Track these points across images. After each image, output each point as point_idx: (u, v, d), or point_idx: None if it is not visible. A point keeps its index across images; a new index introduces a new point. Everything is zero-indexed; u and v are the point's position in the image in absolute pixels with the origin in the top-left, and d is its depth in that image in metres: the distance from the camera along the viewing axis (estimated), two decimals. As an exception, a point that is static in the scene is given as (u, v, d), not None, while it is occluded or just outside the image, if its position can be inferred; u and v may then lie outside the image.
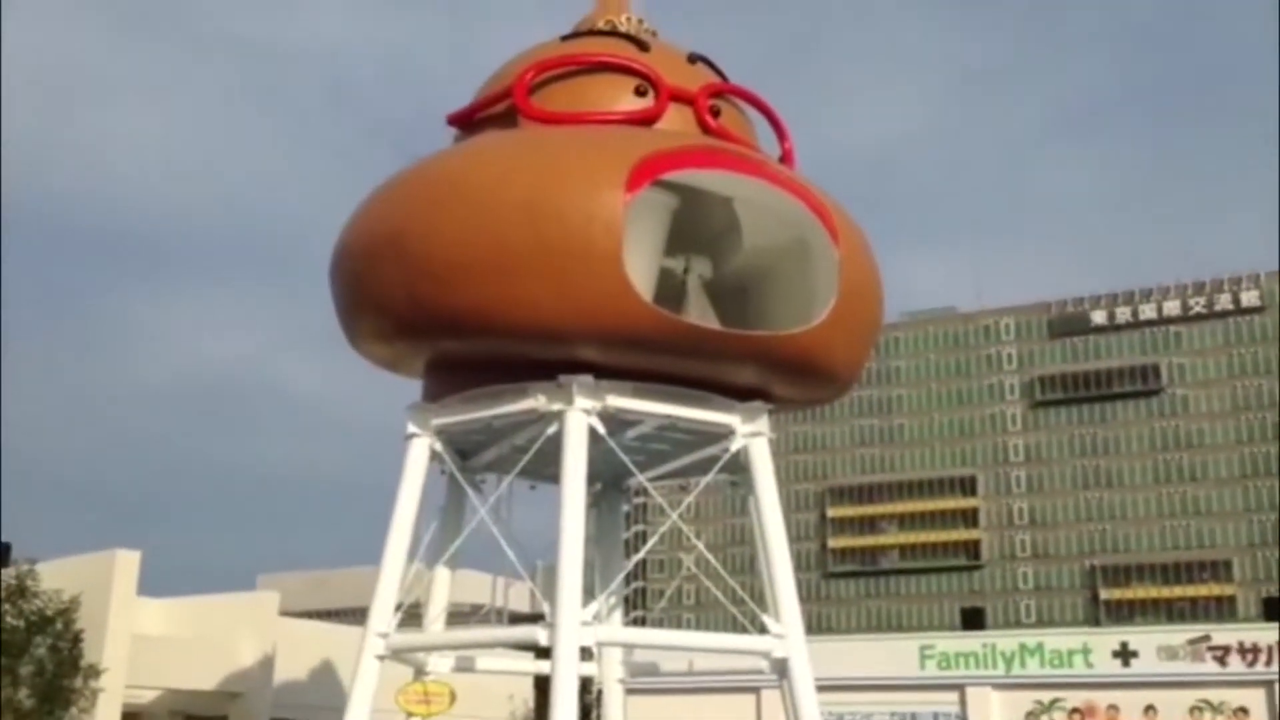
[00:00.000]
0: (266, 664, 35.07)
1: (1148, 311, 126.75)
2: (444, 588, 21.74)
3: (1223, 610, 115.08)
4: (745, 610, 20.62)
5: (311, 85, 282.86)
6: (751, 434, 19.69)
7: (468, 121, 20.24)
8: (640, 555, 28.49)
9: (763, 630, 19.51)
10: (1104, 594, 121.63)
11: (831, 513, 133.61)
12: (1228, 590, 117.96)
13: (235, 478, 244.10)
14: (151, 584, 35.64)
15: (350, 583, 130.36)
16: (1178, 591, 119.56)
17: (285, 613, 39.58)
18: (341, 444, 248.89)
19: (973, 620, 46.37)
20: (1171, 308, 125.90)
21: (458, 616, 26.46)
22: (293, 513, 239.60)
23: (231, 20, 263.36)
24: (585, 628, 17.67)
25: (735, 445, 19.61)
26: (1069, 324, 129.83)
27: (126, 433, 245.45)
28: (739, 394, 19.47)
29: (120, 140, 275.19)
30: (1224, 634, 38.03)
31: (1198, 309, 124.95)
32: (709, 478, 20.84)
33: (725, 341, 18.51)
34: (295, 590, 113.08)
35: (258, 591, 45.95)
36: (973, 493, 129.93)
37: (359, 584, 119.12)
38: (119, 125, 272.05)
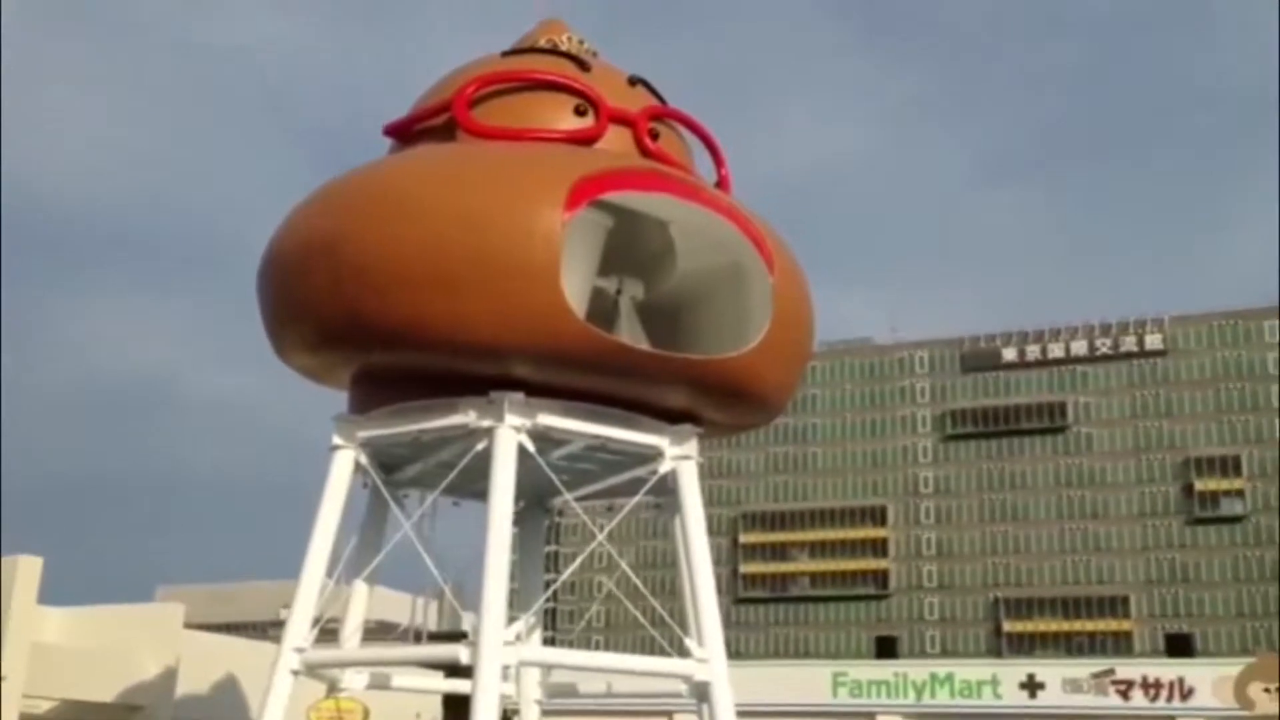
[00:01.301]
0: (169, 677, 34.14)
1: (1056, 350, 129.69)
2: (361, 604, 21.40)
3: (1120, 646, 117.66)
4: (663, 633, 20.61)
5: (246, 88, 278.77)
6: (680, 457, 19.71)
7: (405, 133, 20.10)
8: (565, 576, 28.38)
9: (682, 653, 19.49)
10: (1007, 626, 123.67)
11: (744, 538, 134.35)
12: (1125, 626, 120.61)
13: (138, 487, 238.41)
14: (50, 593, 34.58)
15: (254, 597, 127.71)
16: (1077, 625, 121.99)
17: (188, 626, 38.61)
18: (249, 455, 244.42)
19: (886, 649, 46.90)
20: (1079, 347, 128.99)
21: (367, 634, 26.09)
22: (194, 524, 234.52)
23: (168, 16, 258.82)
24: (508, 647, 17.52)
25: (664, 468, 19.62)
26: (980, 360, 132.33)
27: (30, 436, 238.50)
28: (669, 416, 19.49)
29: (41, 130, 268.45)
30: (1127, 668, 38.91)
31: (1103, 350, 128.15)
32: (636, 498, 20.80)
33: (658, 363, 18.52)
34: (197, 603, 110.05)
35: (162, 603, 44.83)
36: (883, 523, 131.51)
37: (263, 598, 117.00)
38: (42, 114, 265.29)
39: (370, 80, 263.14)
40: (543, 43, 20.92)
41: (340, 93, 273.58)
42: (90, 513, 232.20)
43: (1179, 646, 39.87)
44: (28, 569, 31.35)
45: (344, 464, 19.69)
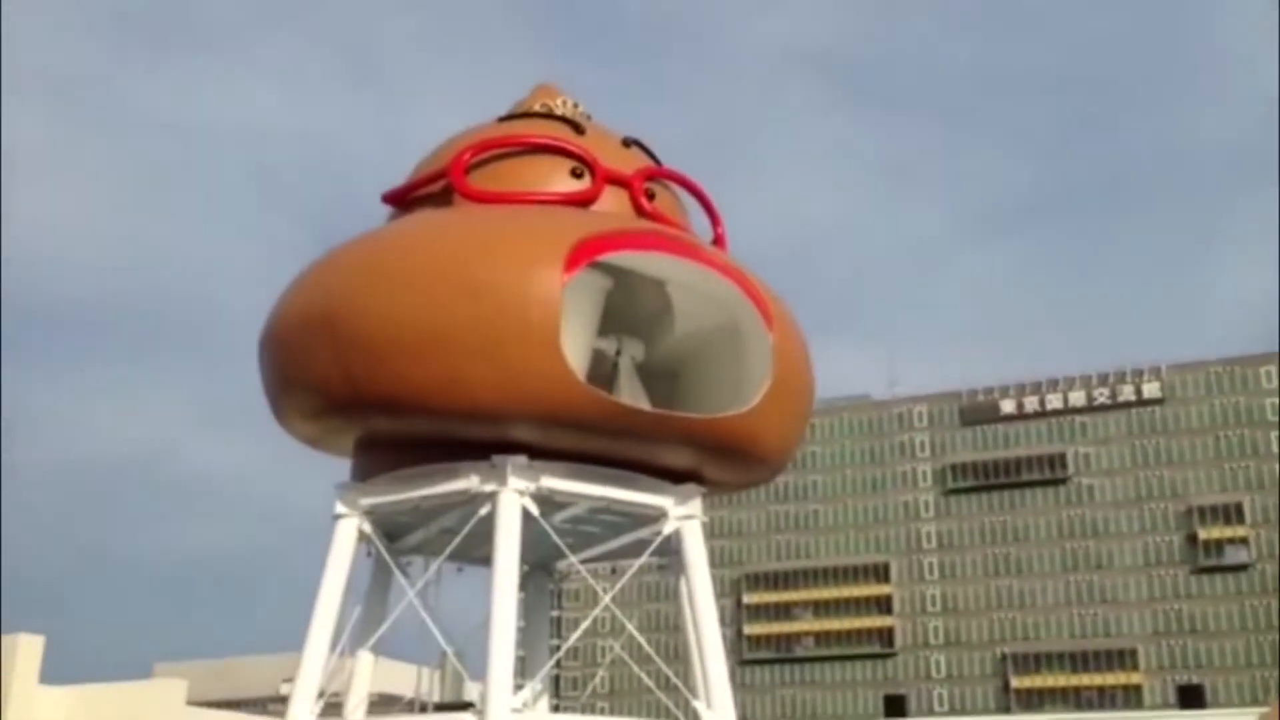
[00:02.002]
0: (171, 755, 33.77)
1: (1054, 401, 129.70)
2: (365, 675, 21.11)
3: (1129, 699, 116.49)
4: (670, 697, 20.34)
5: (233, 165, 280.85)
6: (684, 517, 19.57)
7: (403, 200, 20.17)
8: (571, 641, 28.06)
9: (691, 717, 19.22)
10: (1015, 682, 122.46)
11: (747, 599, 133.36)
12: (1135, 679, 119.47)
13: (135, 562, 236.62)
14: (46, 671, 34.17)
15: (253, 672, 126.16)
16: (1085, 680, 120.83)
17: (191, 702, 38.19)
18: (244, 528, 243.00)
19: (895, 708, 46.39)
20: (1077, 398, 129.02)
21: (372, 707, 25.75)
22: (189, 600, 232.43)
23: (159, 99, 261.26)
24: (515, 715, 17.27)
25: (668, 528, 19.48)
26: (979, 413, 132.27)
27: (28, 514, 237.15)
28: (672, 476, 19.38)
29: (33, 215, 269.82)
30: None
31: (1102, 399, 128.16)
32: (642, 559, 20.63)
33: (660, 423, 18.46)
34: (196, 679, 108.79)
35: (162, 679, 44.29)
36: (886, 579, 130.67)
37: (263, 673, 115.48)
38: (34, 199, 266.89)
39: (367, 150, 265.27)
40: (537, 107, 21.09)
41: (336, 164, 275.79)
42: (84, 589, 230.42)
43: (1191, 698, 39.47)
44: (29, 648, 31.10)
45: (347, 532, 19.50)
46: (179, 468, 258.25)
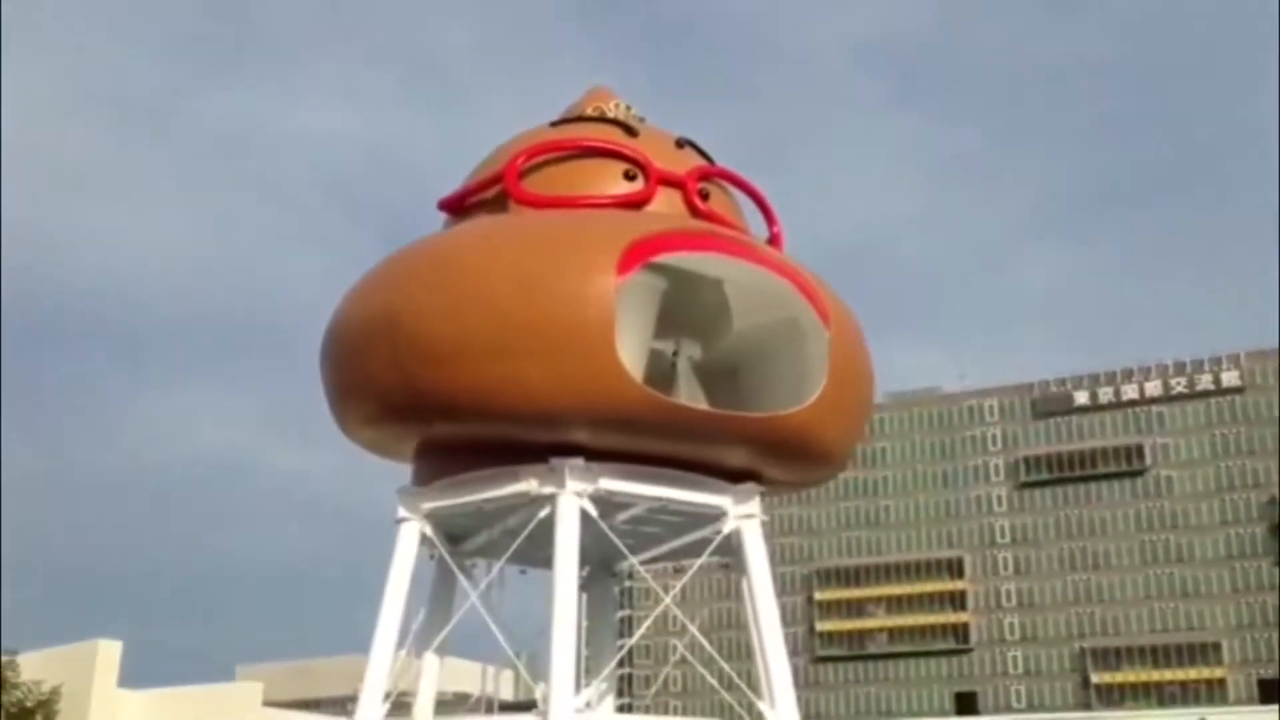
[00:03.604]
0: (249, 756, 34.37)
1: (1130, 392, 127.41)
2: (433, 676, 21.36)
3: (1213, 694, 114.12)
4: (737, 696, 20.32)
5: (305, 176, 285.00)
6: (744, 516, 19.54)
7: (459, 207, 20.35)
8: (633, 640, 28.11)
9: (757, 717, 19.19)
10: (1095, 677, 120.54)
11: (819, 596, 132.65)
12: (1218, 673, 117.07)
13: (216, 567, 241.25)
14: (128, 674, 34.97)
15: (332, 672, 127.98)
16: (1168, 675, 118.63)
17: (268, 703, 38.84)
18: (325, 532, 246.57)
19: (966, 705, 45.86)
20: (1153, 388, 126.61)
21: (442, 705, 26.05)
22: (273, 602, 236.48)
23: (225, 113, 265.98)
24: (579, 715, 17.37)
25: (727, 527, 19.46)
26: (1052, 404, 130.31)
27: (109, 521, 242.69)
28: (731, 476, 19.36)
29: (112, 233, 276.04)
30: (1219, 717, 37.66)
31: (1179, 389, 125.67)
32: (701, 560, 20.62)
33: (717, 423, 18.46)
34: (276, 681, 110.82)
35: (239, 682, 45.11)
36: (960, 575, 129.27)
37: (341, 673, 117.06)
38: (111, 218, 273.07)
39: (430, 158, 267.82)
40: (590, 111, 21.15)
41: (400, 172, 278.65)
42: (173, 594, 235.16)
43: (1273, 692, 38.50)
44: (107, 653, 31.84)
45: (410, 536, 19.75)
46: (263, 474, 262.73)
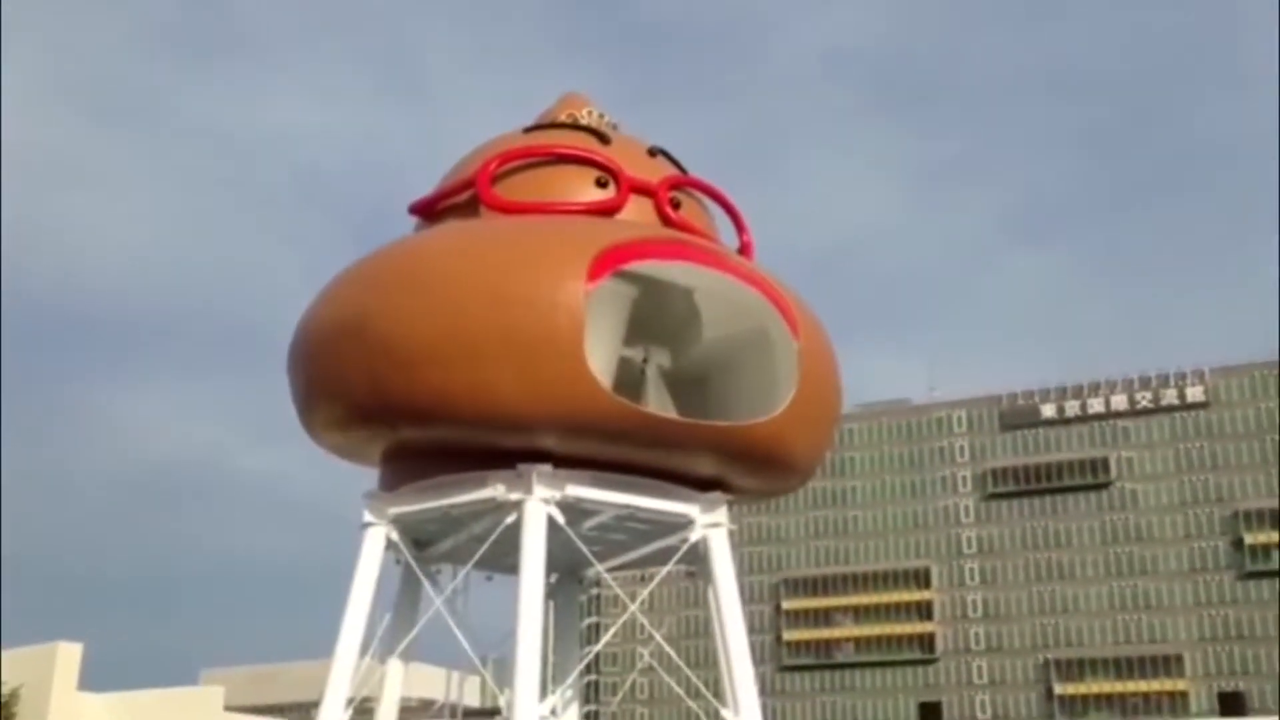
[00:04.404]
0: (210, 761, 34.11)
1: (1096, 405, 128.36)
2: (397, 681, 21.27)
3: (1175, 706, 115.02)
4: (702, 704, 20.35)
5: (279, 174, 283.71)
6: (711, 525, 19.59)
7: (430, 211, 20.34)
8: (598, 647, 28.07)
9: (720, 724, 19.22)
10: (1058, 688, 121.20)
11: (786, 605, 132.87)
12: (1180, 685, 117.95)
13: (181, 567, 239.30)
14: (90, 677, 34.64)
15: (296, 677, 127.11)
16: (1131, 686, 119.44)
17: (230, 708, 38.56)
18: (290, 536, 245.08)
19: (931, 715, 46.06)
20: (1119, 402, 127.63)
21: (406, 711, 25.95)
22: (237, 606, 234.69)
23: (204, 109, 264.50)
24: (542, 722, 17.35)
25: (694, 536, 19.50)
26: (1019, 417, 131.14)
27: (70, 520, 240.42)
28: (698, 484, 19.42)
29: (90, 228, 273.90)
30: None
31: (1144, 403, 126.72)
32: (668, 568, 20.65)
33: (685, 431, 18.50)
34: (240, 685, 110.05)
35: (201, 687, 44.79)
36: (927, 585, 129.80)
37: (305, 678, 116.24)
38: (90, 213, 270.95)
39: (403, 159, 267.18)
40: (563, 117, 21.19)
41: (373, 172, 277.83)
42: (132, 597, 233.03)
43: (1232, 705, 38.89)
44: (68, 655, 31.48)
45: (376, 541, 19.69)
46: (227, 475, 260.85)
